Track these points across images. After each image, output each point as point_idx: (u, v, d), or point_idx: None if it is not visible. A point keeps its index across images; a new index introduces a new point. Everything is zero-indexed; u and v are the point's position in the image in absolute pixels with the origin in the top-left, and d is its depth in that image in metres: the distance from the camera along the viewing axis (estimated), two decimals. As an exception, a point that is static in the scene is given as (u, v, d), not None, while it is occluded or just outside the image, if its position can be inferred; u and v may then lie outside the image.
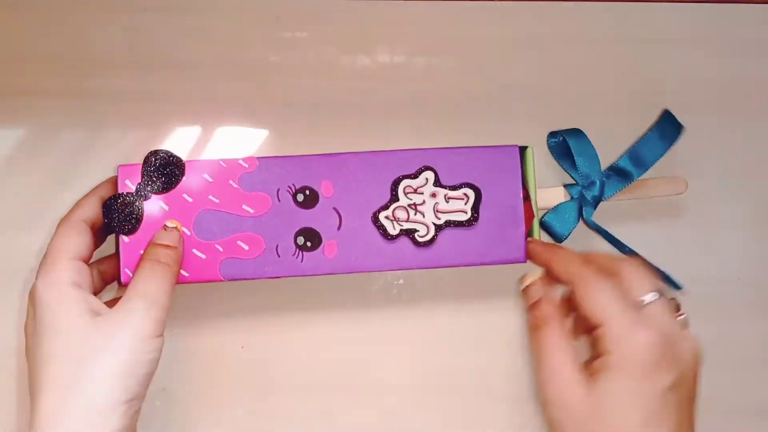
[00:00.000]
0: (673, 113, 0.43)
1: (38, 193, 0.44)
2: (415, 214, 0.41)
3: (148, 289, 0.36)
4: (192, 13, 0.42)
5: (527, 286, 0.41)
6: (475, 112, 0.44)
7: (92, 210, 0.39)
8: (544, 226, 0.43)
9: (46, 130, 0.43)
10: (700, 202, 0.45)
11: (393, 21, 0.43)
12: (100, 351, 0.33)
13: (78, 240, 0.37)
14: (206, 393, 0.42)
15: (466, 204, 0.41)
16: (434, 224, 0.41)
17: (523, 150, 0.42)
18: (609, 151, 0.43)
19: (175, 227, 0.40)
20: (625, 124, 0.44)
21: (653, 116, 0.44)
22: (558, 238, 0.43)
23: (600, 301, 0.35)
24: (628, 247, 0.43)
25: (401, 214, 0.41)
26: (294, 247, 0.41)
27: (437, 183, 0.41)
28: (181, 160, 0.41)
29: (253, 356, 0.43)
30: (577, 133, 0.44)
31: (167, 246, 0.39)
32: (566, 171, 0.45)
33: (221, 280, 0.41)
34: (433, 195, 0.41)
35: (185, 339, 0.42)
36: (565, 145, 0.43)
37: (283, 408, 0.42)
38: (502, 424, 0.43)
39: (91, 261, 0.39)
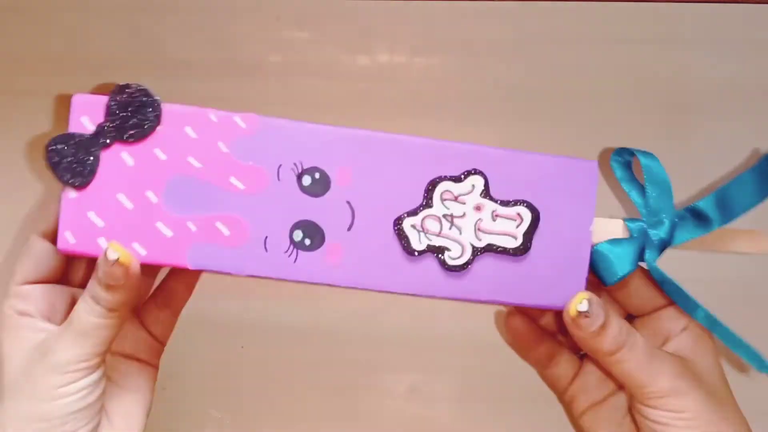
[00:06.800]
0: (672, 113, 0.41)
1: (39, 192, 0.42)
2: (450, 229, 0.32)
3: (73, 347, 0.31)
4: (192, 13, 0.43)
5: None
6: (475, 113, 0.43)
7: (50, 221, 0.33)
8: (593, 258, 0.34)
9: (45, 131, 0.42)
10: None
11: (393, 21, 0.43)
12: (13, 392, 0.31)
13: (27, 261, 0.33)
14: (206, 393, 0.42)
15: (517, 227, 0.32)
16: (472, 245, 0.32)
17: None
18: (607, 152, 0.42)
19: (120, 261, 0.30)
20: (626, 124, 0.43)
21: (653, 117, 0.43)
22: (605, 280, 0.34)
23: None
24: (703, 310, 0.34)
25: (432, 226, 0.32)
26: (288, 242, 0.31)
27: (485, 194, 0.32)
28: (158, 103, 0.31)
29: (253, 356, 0.42)
30: (650, 156, 0.34)
31: (110, 288, 0.30)
32: (632, 199, 0.36)
33: (187, 268, 0.31)
34: (478, 208, 0.32)
35: (184, 339, 0.41)
36: (631, 167, 0.35)
37: (283, 408, 0.42)
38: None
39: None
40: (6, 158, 0.42)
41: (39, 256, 0.33)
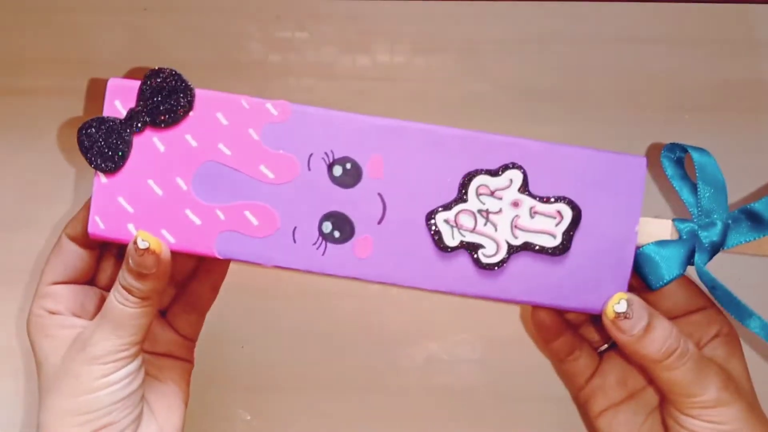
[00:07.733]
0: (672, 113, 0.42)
1: (40, 193, 0.42)
2: (485, 225, 0.30)
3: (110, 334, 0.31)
4: (192, 13, 0.43)
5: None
6: (475, 112, 0.43)
7: (78, 223, 0.33)
8: (638, 260, 0.32)
9: (46, 131, 0.43)
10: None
11: (393, 21, 0.43)
12: (54, 389, 0.32)
13: (56, 261, 0.33)
14: (206, 393, 0.41)
15: (557, 225, 0.30)
16: (508, 243, 0.30)
17: None
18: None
19: (151, 249, 0.30)
20: (626, 125, 0.42)
21: (654, 117, 0.42)
22: (651, 284, 0.32)
23: None
24: (758, 319, 0.32)
25: (466, 221, 0.30)
26: (317, 234, 0.31)
27: (524, 189, 0.30)
28: (191, 88, 0.31)
29: (254, 356, 0.41)
30: (704, 153, 0.32)
31: (142, 276, 0.30)
32: (681, 198, 0.34)
33: (214, 257, 0.31)
34: (515, 204, 0.30)
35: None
36: (683, 164, 0.33)
37: (283, 409, 0.41)
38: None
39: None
40: (5, 158, 0.42)
41: (68, 257, 0.33)
